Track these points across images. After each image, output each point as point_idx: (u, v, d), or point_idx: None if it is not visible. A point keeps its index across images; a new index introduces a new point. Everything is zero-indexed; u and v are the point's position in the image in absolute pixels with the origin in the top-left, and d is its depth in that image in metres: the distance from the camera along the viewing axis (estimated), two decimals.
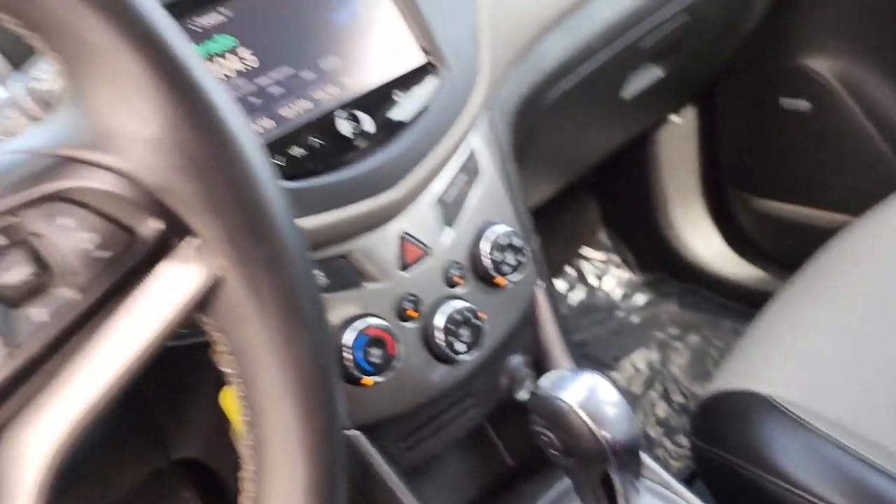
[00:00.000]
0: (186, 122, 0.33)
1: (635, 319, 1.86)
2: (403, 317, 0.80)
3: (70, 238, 0.33)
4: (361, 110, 0.78)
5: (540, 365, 0.90)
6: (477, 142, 0.88)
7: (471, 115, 0.83)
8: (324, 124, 0.75)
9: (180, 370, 0.79)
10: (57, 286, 0.33)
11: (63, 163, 0.33)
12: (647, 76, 1.31)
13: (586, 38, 1.04)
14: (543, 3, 0.98)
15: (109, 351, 0.34)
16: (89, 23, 0.32)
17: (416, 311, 0.80)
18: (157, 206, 0.34)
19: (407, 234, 0.81)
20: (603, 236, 1.94)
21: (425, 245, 0.81)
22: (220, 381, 0.69)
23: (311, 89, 0.76)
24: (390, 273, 0.79)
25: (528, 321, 0.90)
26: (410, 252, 0.81)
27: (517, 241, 0.84)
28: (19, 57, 0.70)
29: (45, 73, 0.44)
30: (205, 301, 0.36)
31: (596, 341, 1.80)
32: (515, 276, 0.84)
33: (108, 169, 0.33)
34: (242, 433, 0.48)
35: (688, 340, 1.79)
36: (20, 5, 0.31)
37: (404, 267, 0.80)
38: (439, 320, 0.80)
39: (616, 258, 1.94)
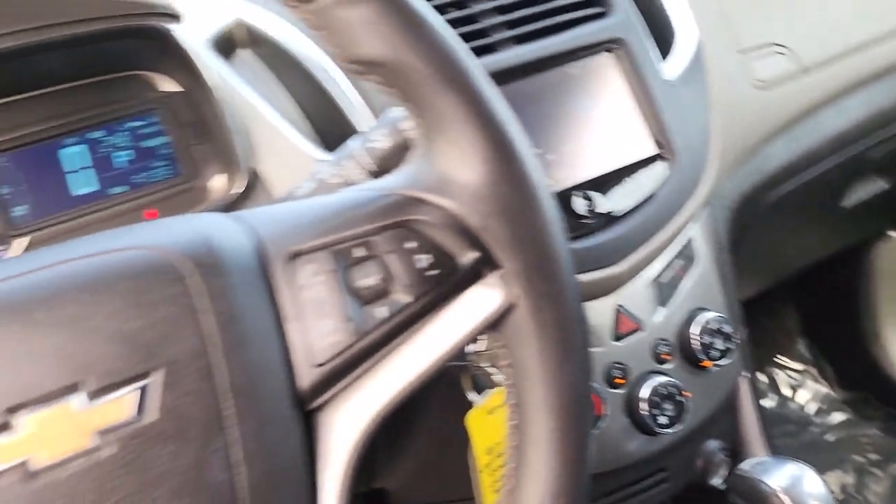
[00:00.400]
0: (504, 178, 0.43)
1: (830, 438, 1.76)
2: (611, 383, 0.86)
3: (410, 258, 0.43)
4: (595, 191, 0.86)
5: (737, 453, 0.92)
6: (696, 231, 0.93)
7: (695, 206, 0.89)
8: (562, 201, 0.84)
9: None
10: (396, 292, 0.43)
11: (411, 201, 0.44)
12: (871, 187, 1.30)
13: (812, 146, 1.07)
14: (772, 109, 1.03)
15: (424, 348, 0.44)
16: (446, 101, 0.43)
17: (623, 379, 0.86)
18: (475, 242, 0.44)
19: (622, 307, 0.87)
20: (801, 345, 1.88)
21: (638, 320, 0.87)
22: (445, 413, 0.78)
23: (554, 169, 0.86)
24: (604, 341, 0.86)
25: (729, 408, 0.92)
26: (624, 324, 0.87)
27: (727, 328, 0.88)
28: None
29: (380, 137, 0.57)
30: (498, 320, 0.44)
31: (785, 454, 1.73)
32: (722, 361, 0.88)
33: (443, 209, 0.44)
34: (491, 446, 0.56)
35: (889, 469, 1.67)
36: (406, 86, 0.42)
37: (617, 337, 0.86)
38: (644, 392, 0.85)
39: (814, 370, 1.86)
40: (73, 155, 0.78)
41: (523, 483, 0.44)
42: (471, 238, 0.44)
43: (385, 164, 0.57)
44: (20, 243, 0.75)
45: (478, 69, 0.45)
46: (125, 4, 0.70)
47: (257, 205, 0.77)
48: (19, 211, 0.75)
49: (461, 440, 0.90)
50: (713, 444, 0.92)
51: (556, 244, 0.45)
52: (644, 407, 0.85)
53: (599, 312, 0.87)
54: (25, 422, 0.36)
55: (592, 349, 0.86)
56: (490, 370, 0.61)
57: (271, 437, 0.40)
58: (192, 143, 0.81)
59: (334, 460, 0.44)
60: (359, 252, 0.43)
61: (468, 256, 0.44)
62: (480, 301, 0.44)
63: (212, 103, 0.76)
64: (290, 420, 0.41)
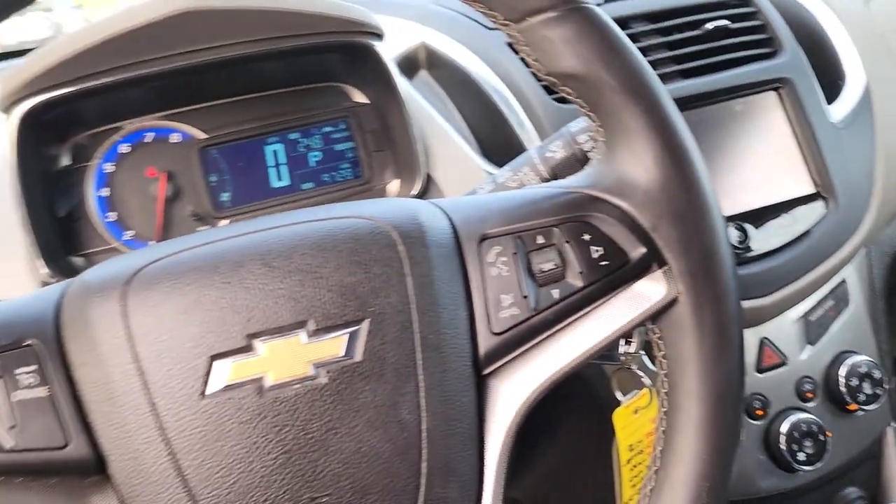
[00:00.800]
0: (677, 183, 0.48)
1: None
2: (751, 414, 0.86)
3: (585, 248, 0.48)
4: (749, 223, 0.88)
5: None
6: (851, 274, 0.93)
7: (851, 248, 0.89)
8: None
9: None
10: (569, 277, 0.48)
11: (591, 199, 0.49)
12: None
13: None
14: None
15: (589, 331, 0.49)
16: (630, 111, 0.48)
17: (762, 411, 0.86)
18: (646, 239, 0.48)
19: (768, 340, 0.88)
20: None
21: (783, 355, 0.88)
22: (577, 426, 0.82)
23: None
24: (746, 371, 0.87)
25: (873, 456, 0.90)
26: (768, 357, 0.88)
27: (877, 373, 0.87)
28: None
29: (556, 148, 0.63)
30: (659, 312, 0.49)
31: None
32: (869, 407, 0.87)
33: (618, 208, 0.49)
34: (636, 439, 0.60)
35: None
36: (595, 97, 0.48)
37: (760, 369, 0.87)
38: (784, 426, 0.85)
39: None
40: (274, 152, 0.88)
41: (669, 465, 0.47)
42: (642, 236, 0.48)
43: (558, 173, 0.63)
44: (223, 224, 0.86)
45: (659, 86, 0.50)
46: (338, 21, 0.80)
47: None
48: (224, 196, 0.87)
49: (590, 455, 0.93)
50: (851, 492, 0.91)
51: (720, 248, 0.49)
52: (783, 441, 0.85)
53: (744, 343, 0.88)
54: (262, 347, 0.44)
55: None
56: (638, 372, 0.65)
57: (450, 390, 0.46)
58: (374, 149, 0.90)
59: (500, 424, 0.49)
60: (539, 240, 0.49)
61: (637, 252, 0.48)
62: (645, 293, 0.49)
63: (400, 115, 0.84)
64: (467, 378, 0.47)
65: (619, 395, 0.65)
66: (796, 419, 0.86)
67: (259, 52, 0.79)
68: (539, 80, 0.92)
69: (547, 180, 0.64)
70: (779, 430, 0.86)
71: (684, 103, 0.90)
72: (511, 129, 0.90)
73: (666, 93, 0.50)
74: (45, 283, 0.76)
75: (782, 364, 0.88)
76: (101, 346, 0.43)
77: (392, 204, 0.50)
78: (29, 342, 0.43)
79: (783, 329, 0.89)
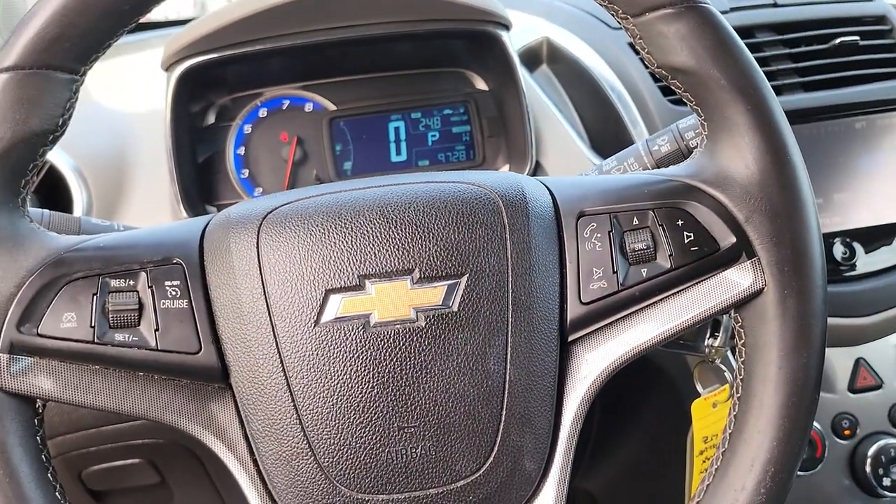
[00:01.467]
0: (776, 180, 0.50)
1: None
2: (838, 432, 0.86)
3: (678, 233, 0.51)
4: (858, 242, 0.87)
5: None
6: None
7: None
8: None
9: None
10: (659, 259, 0.51)
11: (690, 188, 0.52)
12: None
13: None
14: None
15: (673, 311, 0.51)
16: (737, 108, 0.50)
17: (851, 431, 0.85)
18: (738, 230, 0.50)
19: (864, 361, 0.87)
20: None
21: (879, 377, 0.87)
22: (659, 421, 0.83)
23: (820, 213, 0.88)
24: (837, 389, 0.86)
25: None
26: (863, 378, 0.87)
27: None
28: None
29: (663, 142, 0.66)
30: (743, 301, 0.51)
31: None
32: None
33: (715, 199, 0.51)
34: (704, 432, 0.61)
35: None
36: (703, 92, 0.50)
37: (853, 389, 0.86)
38: (871, 449, 0.84)
39: None
40: (396, 129, 0.94)
41: (736, 446, 0.49)
42: (734, 226, 0.50)
43: (662, 166, 0.65)
44: None
45: (767, 86, 0.52)
46: (469, 9, 0.85)
47: None
48: (346, 165, 0.93)
49: (666, 448, 0.94)
50: None
51: (812, 245, 0.50)
52: (868, 464, 0.84)
53: (838, 361, 0.87)
54: (372, 287, 0.49)
55: (824, 395, 0.87)
56: (721, 366, 0.66)
57: (535, 348, 0.50)
58: (489, 134, 0.95)
59: (579, 389, 0.52)
60: (634, 221, 0.52)
61: (728, 241, 0.50)
62: (732, 281, 0.51)
63: (518, 104, 0.89)
64: (552, 340, 0.51)
65: (699, 388, 0.67)
66: (885, 444, 0.85)
67: (393, 32, 0.85)
68: (655, 79, 0.94)
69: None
70: (866, 452, 0.85)
71: (804, 116, 0.90)
72: (624, 127, 0.92)
73: (773, 94, 0.52)
74: None
75: (878, 387, 0.87)
76: (236, 270, 0.50)
77: (500, 176, 0.54)
78: (176, 260, 0.50)
79: (882, 352, 0.88)
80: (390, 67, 0.94)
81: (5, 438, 0.46)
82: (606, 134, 0.95)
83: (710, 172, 0.52)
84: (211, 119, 0.92)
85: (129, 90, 0.96)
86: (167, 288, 0.49)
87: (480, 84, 0.95)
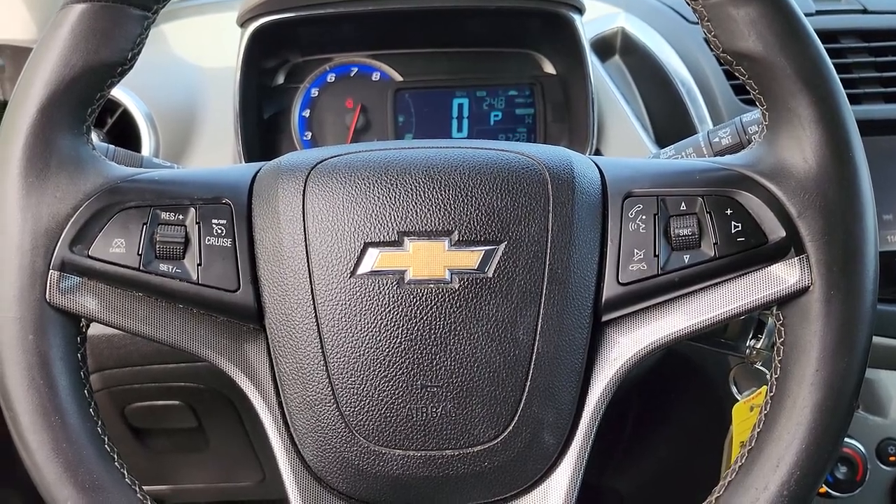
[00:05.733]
0: (834, 177, 0.48)
1: None
2: (882, 458, 0.83)
3: (725, 222, 0.50)
4: None
5: None
6: None
7: None
8: (884, 261, 0.83)
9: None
10: (704, 246, 0.50)
11: (743, 178, 0.51)
12: None
13: None
14: None
15: (713, 302, 0.50)
16: (801, 99, 0.48)
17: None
18: (789, 225, 0.49)
19: None
20: None
21: None
22: (695, 422, 0.81)
23: (887, 229, 0.85)
24: (888, 413, 0.83)
25: None
26: None
27: None
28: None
29: (724, 135, 0.64)
30: (787, 299, 0.49)
31: None
32: None
33: (769, 191, 0.50)
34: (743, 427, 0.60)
35: None
36: (768, 80, 0.49)
37: None
38: None
39: None
40: (459, 105, 0.94)
41: (763, 444, 0.48)
42: (786, 221, 0.49)
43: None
44: None
45: (835, 79, 0.50)
46: None
47: None
48: (407, 137, 0.94)
49: (700, 450, 0.92)
50: None
51: (866, 247, 0.48)
52: None
53: (893, 384, 0.84)
54: (409, 244, 0.49)
55: (870, 414, 0.84)
56: (762, 369, 0.64)
57: (567, 323, 0.50)
58: (552, 119, 0.94)
59: (607, 371, 0.52)
60: (682, 206, 0.51)
61: (777, 235, 0.49)
62: (777, 276, 0.49)
63: (584, 91, 0.88)
64: (585, 317, 0.50)
65: (734, 390, 0.65)
66: None
67: (466, 6, 0.86)
68: (729, 76, 0.92)
69: None
70: None
71: (883, 128, 0.87)
72: (690, 123, 0.90)
73: (840, 88, 0.50)
74: None
75: None
76: (280, 215, 0.51)
77: (551, 149, 0.54)
78: (225, 200, 0.52)
79: None
80: (459, 43, 0.94)
81: (48, 351, 0.48)
82: (672, 129, 0.94)
83: (767, 164, 0.51)
84: (280, 79, 0.93)
85: (206, 47, 0.98)
86: (213, 225, 0.51)
87: (549, 67, 0.95)
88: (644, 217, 0.51)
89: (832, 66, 0.50)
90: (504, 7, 0.85)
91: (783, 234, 0.49)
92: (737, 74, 0.51)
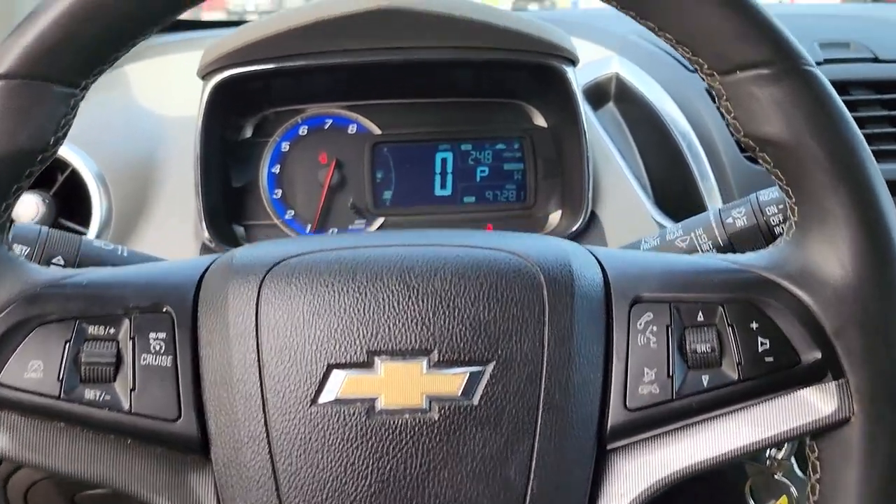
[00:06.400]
0: (877, 286, 0.41)
1: None
2: None
3: (750, 337, 0.43)
4: None
5: None
6: None
7: None
8: None
9: None
10: (725, 366, 0.43)
11: (767, 283, 0.44)
12: None
13: None
14: None
15: (735, 432, 0.43)
16: (836, 194, 0.42)
17: None
18: (824, 343, 0.42)
19: None
20: None
21: None
22: None
23: None
24: None
25: None
26: None
27: None
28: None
29: (738, 215, 0.57)
30: (823, 430, 0.42)
31: None
32: None
33: (798, 300, 0.43)
34: None
35: None
36: (796, 170, 0.42)
37: None
38: None
39: None
40: (443, 160, 0.87)
41: None
42: (820, 338, 0.42)
43: (736, 243, 0.57)
44: (377, 222, 0.86)
45: (876, 171, 0.43)
46: (535, 41, 0.77)
47: (590, 244, 0.80)
48: (386, 195, 0.87)
49: None
50: None
51: None
52: None
53: None
54: (382, 366, 0.42)
55: None
56: (783, 480, 0.57)
57: (567, 458, 0.42)
58: (543, 175, 0.87)
59: None
60: (699, 316, 0.44)
61: (812, 355, 0.42)
62: (810, 404, 0.42)
63: (578, 146, 0.81)
64: (588, 449, 0.43)
65: (750, 502, 0.58)
66: None
67: (449, 59, 0.79)
68: (742, 149, 0.85)
69: (722, 248, 0.58)
70: None
71: None
72: (692, 181, 0.84)
73: (883, 184, 0.43)
74: (206, 247, 0.79)
75: None
76: (230, 328, 0.43)
77: (544, 243, 0.47)
78: (166, 309, 0.44)
79: None
80: (443, 94, 0.87)
81: None
82: (672, 186, 0.87)
83: (797, 267, 0.44)
84: (248, 133, 0.86)
85: (169, 92, 0.91)
86: (151, 340, 0.43)
87: (539, 120, 0.88)
88: (655, 328, 0.44)
89: (871, 155, 0.43)
90: (491, 60, 0.78)
91: (818, 354, 0.42)
92: (760, 162, 0.45)
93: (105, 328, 0.43)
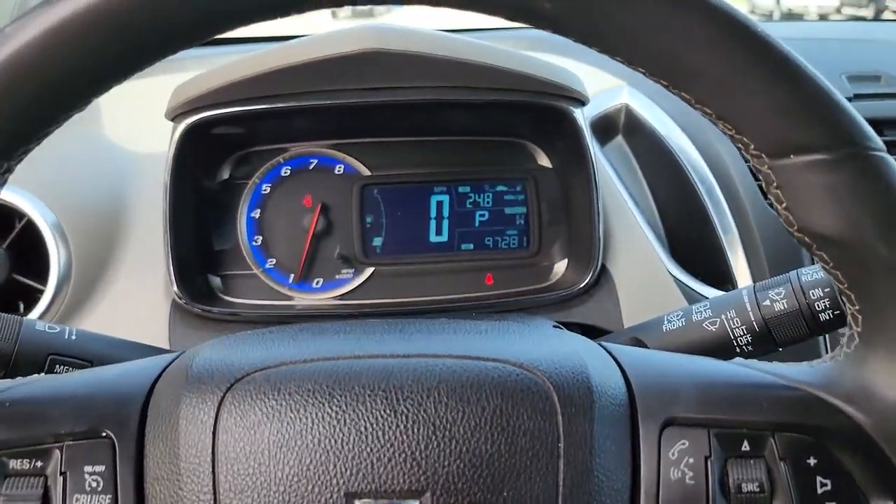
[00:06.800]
0: None
1: None
2: None
3: (807, 476, 0.36)
4: None
5: None
6: None
7: None
8: None
9: None
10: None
11: (822, 405, 0.37)
12: None
13: None
14: None
15: None
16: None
17: None
18: (888, 470, 0.35)
19: None
20: None
21: None
22: None
23: None
24: None
25: None
26: None
27: None
28: None
29: (777, 296, 0.50)
30: None
31: None
32: None
33: (861, 429, 0.36)
34: None
35: None
36: (858, 272, 0.35)
37: None
38: None
39: None
40: (438, 203, 0.80)
41: None
42: (892, 479, 0.35)
43: (774, 329, 0.50)
44: (367, 272, 0.78)
45: None
46: (544, 83, 0.70)
47: (600, 303, 0.73)
48: (376, 241, 0.79)
49: None
50: None
51: None
52: None
53: None
54: None
55: None
56: None
57: None
58: (548, 221, 0.80)
59: None
60: (744, 446, 0.37)
61: (883, 501, 0.35)
62: None
63: (586, 189, 0.74)
64: None
65: None
66: None
67: (447, 100, 0.71)
68: (756, 175, 0.78)
69: (757, 334, 0.51)
70: None
71: None
72: (710, 227, 0.77)
73: None
74: (176, 301, 0.72)
75: None
76: (182, 461, 0.36)
77: (555, 347, 0.40)
78: (105, 433, 0.37)
79: None
80: (436, 132, 0.80)
81: None
82: (689, 233, 0.80)
83: (856, 386, 0.36)
84: (225, 174, 0.78)
85: (143, 124, 0.83)
86: (86, 476, 0.36)
87: (543, 160, 0.80)
88: (691, 460, 0.36)
89: None
90: (493, 101, 0.71)
91: (890, 501, 0.35)
92: (816, 260, 0.37)
93: (30, 461, 0.36)
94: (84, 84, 0.36)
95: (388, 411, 0.36)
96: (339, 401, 0.36)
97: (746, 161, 0.38)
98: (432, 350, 0.39)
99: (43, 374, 0.50)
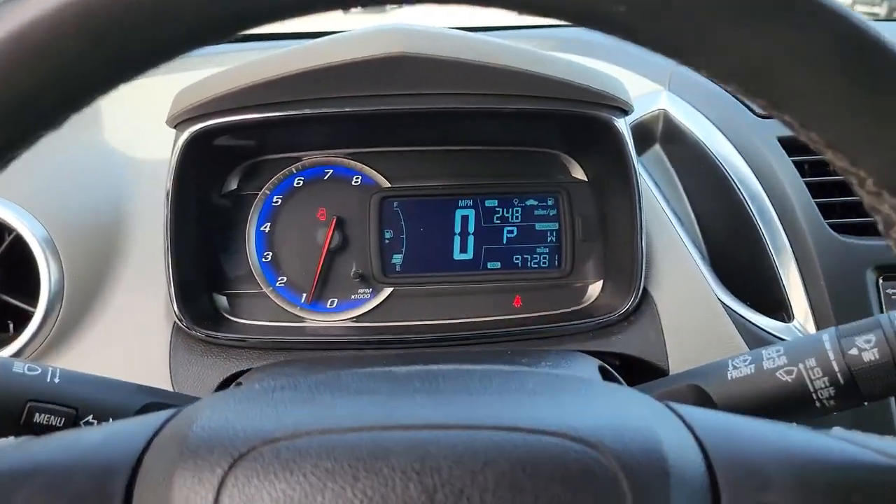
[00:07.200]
0: None
1: None
2: None
3: None
4: None
5: None
6: None
7: None
8: None
9: None
10: None
11: None
12: None
13: None
14: None
15: None
16: None
17: None
18: None
19: None
20: None
21: None
22: None
23: None
24: None
25: None
26: None
27: None
28: None
29: (866, 345, 0.43)
30: None
31: None
32: None
33: None
34: None
35: None
36: None
37: None
38: None
39: None
40: (464, 218, 0.74)
41: None
42: None
43: (864, 384, 0.43)
44: (385, 292, 0.72)
45: None
46: (585, 91, 0.63)
47: (642, 332, 0.66)
48: (396, 258, 0.73)
49: None
50: None
51: None
52: None
53: None
54: None
55: None
56: None
57: None
58: (582, 238, 0.73)
59: None
60: None
61: None
62: None
63: (627, 204, 0.67)
64: None
65: None
66: None
67: (475, 109, 0.64)
68: (813, 191, 0.71)
69: (842, 387, 0.44)
70: None
71: None
72: (760, 246, 0.70)
73: None
74: (178, 326, 0.66)
75: None
76: None
77: (618, 412, 0.33)
78: None
79: None
80: (462, 141, 0.74)
81: None
82: (734, 252, 0.73)
83: None
84: (232, 184, 0.72)
85: (145, 127, 0.76)
86: None
87: (578, 172, 0.74)
88: None
89: None
90: (528, 110, 0.64)
91: None
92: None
93: None
94: (92, 80, 0.29)
95: (423, 499, 0.30)
96: (363, 485, 0.30)
97: (858, 198, 0.31)
98: (475, 418, 0.33)
99: (21, 423, 0.45)
